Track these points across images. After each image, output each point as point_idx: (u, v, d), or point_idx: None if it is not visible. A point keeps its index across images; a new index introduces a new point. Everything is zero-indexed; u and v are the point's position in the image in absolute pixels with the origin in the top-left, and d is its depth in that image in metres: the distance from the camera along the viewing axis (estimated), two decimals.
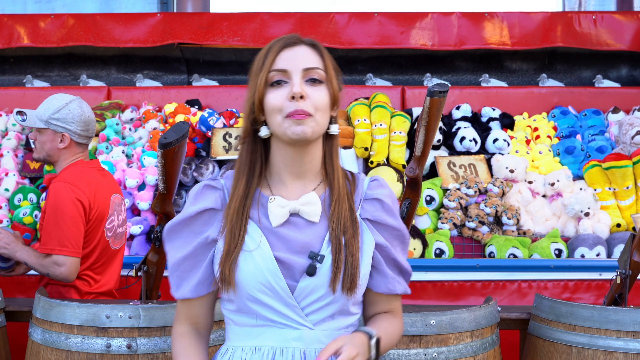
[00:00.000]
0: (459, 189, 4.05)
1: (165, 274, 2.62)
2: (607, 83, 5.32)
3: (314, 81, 1.49)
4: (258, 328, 1.50)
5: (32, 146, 3.12)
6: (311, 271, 1.47)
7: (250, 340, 1.51)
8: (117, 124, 4.63)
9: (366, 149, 4.35)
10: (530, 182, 4.21)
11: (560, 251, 3.82)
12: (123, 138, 4.65)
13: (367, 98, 4.76)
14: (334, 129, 1.55)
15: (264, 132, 1.52)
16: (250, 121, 1.53)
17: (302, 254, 1.49)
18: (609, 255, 3.86)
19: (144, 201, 4.07)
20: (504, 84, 5.34)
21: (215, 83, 5.44)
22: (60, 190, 2.84)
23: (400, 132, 4.39)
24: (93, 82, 5.48)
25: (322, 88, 1.50)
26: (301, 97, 1.46)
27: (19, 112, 3.03)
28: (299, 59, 1.49)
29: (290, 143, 1.49)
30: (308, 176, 1.55)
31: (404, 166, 4.28)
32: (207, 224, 1.54)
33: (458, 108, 4.78)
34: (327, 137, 1.56)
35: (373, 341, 1.48)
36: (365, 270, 1.51)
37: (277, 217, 1.50)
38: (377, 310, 1.60)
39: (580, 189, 4.13)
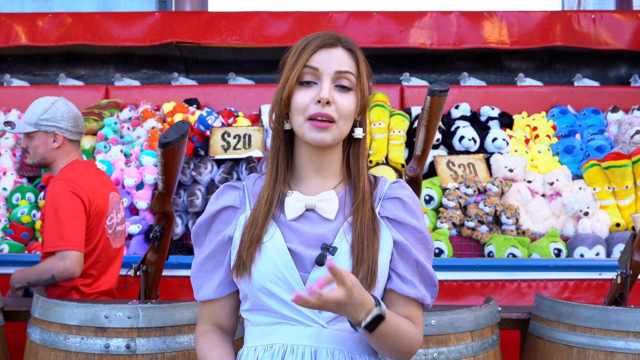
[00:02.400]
0: (458, 189, 4.05)
1: (164, 273, 2.62)
2: (587, 82, 5.31)
3: (343, 87, 1.50)
4: (271, 326, 1.49)
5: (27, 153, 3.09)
6: (321, 260, 1.46)
7: (264, 339, 1.50)
8: (116, 123, 4.62)
9: None
10: (529, 182, 4.20)
11: (559, 251, 3.82)
12: (121, 137, 4.64)
13: None
14: (358, 133, 1.55)
15: (287, 125, 1.54)
16: (277, 116, 1.54)
17: (315, 246, 1.48)
18: (609, 254, 3.86)
19: (143, 200, 4.07)
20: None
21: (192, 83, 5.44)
22: (58, 188, 2.84)
23: (399, 132, 4.38)
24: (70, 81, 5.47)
25: (350, 95, 1.50)
26: (327, 102, 1.46)
27: (7, 123, 3.04)
28: (332, 61, 1.49)
29: (310, 144, 1.51)
30: (328, 174, 1.55)
31: (402, 165, 4.27)
32: (226, 222, 1.56)
33: (457, 107, 4.77)
34: (353, 140, 1.57)
35: (376, 309, 1.36)
36: (382, 267, 1.49)
37: (292, 210, 1.51)
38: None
39: (580, 189, 4.13)
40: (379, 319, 1.37)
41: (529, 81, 5.33)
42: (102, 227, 2.94)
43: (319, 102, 1.46)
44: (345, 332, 1.48)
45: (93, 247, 2.91)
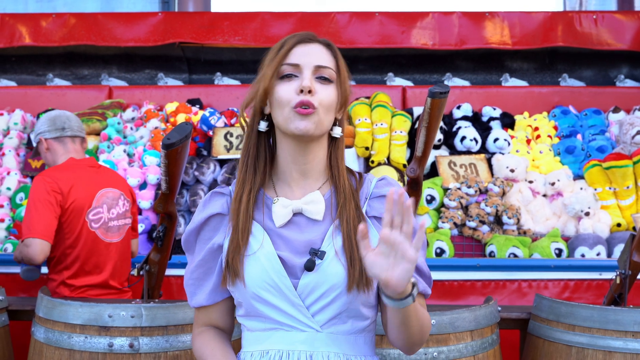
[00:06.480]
0: (459, 189, 4.06)
1: (167, 273, 2.64)
2: (629, 82, 5.33)
3: (324, 79, 1.51)
4: (267, 332, 1.51)
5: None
6: (310, 265, 1.47)
7: (260, 344, 1.52)
8: (119, 123, 4.64)
9: (367, 148, 4.36)
10: (530, 182, 4.22)
11: (560, 251, 3.83)
12: (124, 137, 4.66)
13: (368, 97, 4.77)
14: (337, 132, 1.56)
15: (262, 126, 1.54)
16: (252, 113, 1.54)
17: (303, 253, 1.50)
18: (609, 254, 3.87)
19: (145, 200, 4.09)
20: (524, 83, 5.31)
21: (237, 82, 5.46)
22: (36, 183, 3.03)
23: (401, 132, 4.40)
24: (114, 81, 5.50)
25: (331, 87, 1.52)
26: (309, 91, 1.48)
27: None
28: (312, 56, 1.51)
29: (294, 137, 1.51)
30: (312, 175, 1.56)
31: (404, 165, 4.29)
32: (215, 230, 1.57)
33: (459, 107, 4.79)
34: (332, 139, 1.58)
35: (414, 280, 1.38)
36: None
37: (280, 217, 1.52)
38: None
39: (581, 189, 4.14)
40: (416, 287, 1.38)
41: (572, 82, 5.33)
42: (82, 220, 3.04)
43: (302, 91, 1.47)
44: (339, 334, 1.50)
45: (74, 240, 3.04)
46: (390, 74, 5.38)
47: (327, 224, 1.52)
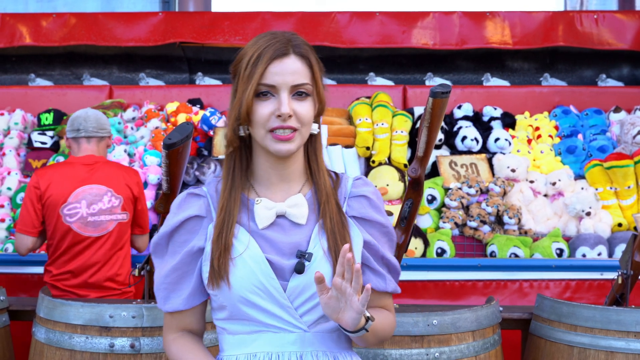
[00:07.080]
0: (460, 189, 4.06)
1: None
2: (611, 82, 5.33)
3: (300, 94, 1.49)
4: (252, 335, 1.49)
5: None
6: (300, 268, 1.47)
7: (245, 347, 1.49)
8: (119, 123, 4.64)
9: (368, 148, 4.36)
10: (531, 182, 4.21)
11: (561, 251, 3.83)
12: (125, 137, 4.66)
13: (368, 97, 4.77)
14: (314, 128, 1.54)
15: (241, 132, 1.51)
16: (234, 128, 1.51)
17: (290, 255, 1.49)
18: (611, 254, 3.87)
19: (146, 200, 4.07)
20: (506, 83, 5.34)
21: (218, 82, 5.45)
22: (29, 180, 3.30)
23: (401, 132, 4.39)
24: (95, 81, 5.49)
25: (308, 101, 1.49)
26: (289, 116, 1.46)
27: None
28: (287, 74, 1.47)
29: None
30: (292, 178, 1.55)
31: (405, 165, 4.29)
32: (192, 232, 1.53)
33: (459, 107, 4.79)
34: (310, 136, 1.55)
35: (367, 314, 1.44)
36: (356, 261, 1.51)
37: (263, 219, 1.50)
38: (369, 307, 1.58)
39: (582, 189, 4.14)
40: (372, 320, 1.44)
41: (553, 81, 5.32)
42: (57, 214, 3.23)
43: (279, 116, 1.45)
44: (325, 332, 1.51)
45: (52, 232, 3.25)
46: (372, 74, 5.37)
47: (311, 224, 1.52)
